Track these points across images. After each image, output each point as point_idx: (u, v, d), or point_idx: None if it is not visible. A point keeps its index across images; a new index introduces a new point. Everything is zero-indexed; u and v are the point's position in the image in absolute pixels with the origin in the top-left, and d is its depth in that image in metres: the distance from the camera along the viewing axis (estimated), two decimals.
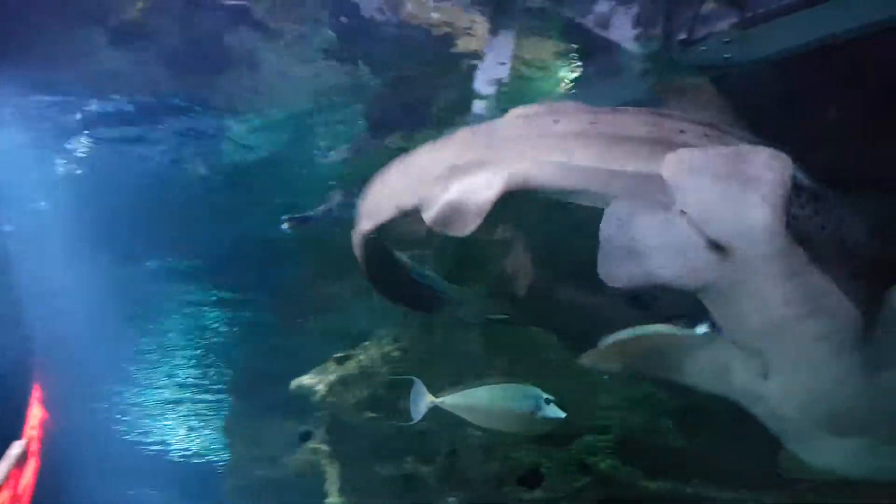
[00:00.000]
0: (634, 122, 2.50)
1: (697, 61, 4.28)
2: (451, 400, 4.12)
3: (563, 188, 2.58)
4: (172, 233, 7.65)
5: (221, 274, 8.76)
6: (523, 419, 3.97)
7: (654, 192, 2.18)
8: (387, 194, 3.03)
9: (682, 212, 2.03)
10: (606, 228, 2.26)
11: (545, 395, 4.04)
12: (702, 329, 3.34)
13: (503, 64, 5.10)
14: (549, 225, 5.97)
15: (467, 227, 2.69)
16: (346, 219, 6.65)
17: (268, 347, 9.61)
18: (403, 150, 3.27)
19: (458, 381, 5.37)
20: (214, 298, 9.36)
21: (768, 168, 1.92)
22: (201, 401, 12.32)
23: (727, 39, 4.07)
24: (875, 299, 2.02)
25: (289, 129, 6.23)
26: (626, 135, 2.46)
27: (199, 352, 10.73)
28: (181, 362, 11.14)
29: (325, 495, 6.38)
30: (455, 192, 2.69)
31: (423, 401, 4.18)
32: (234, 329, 10.00)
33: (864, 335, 1.99)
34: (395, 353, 5.91)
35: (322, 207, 6.46)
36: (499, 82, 5.23)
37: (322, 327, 7.28)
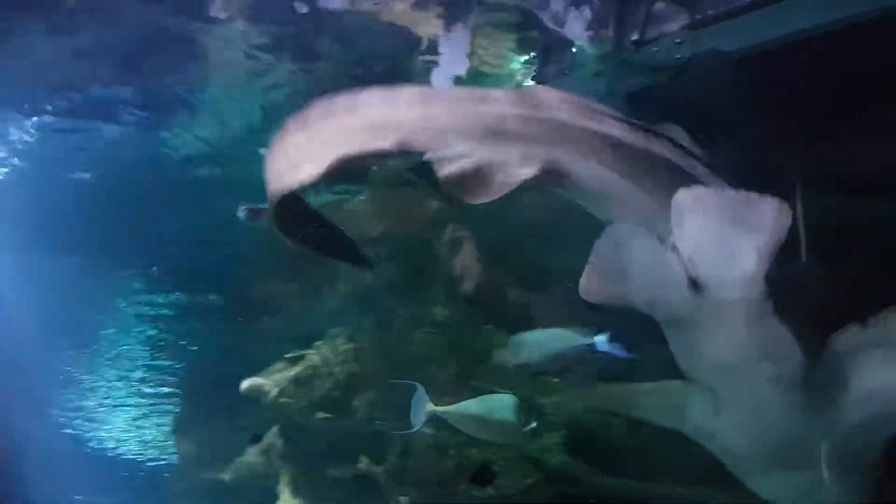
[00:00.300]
0: (659, 145, 2.46)
1: (650, 62, 4.32)
2: (450, 409, 4.20)
3: (588, 191, 2.40)
4: (119, 230, 7.42)
5: (172, 273, 8.56)
6: (515, 431, 4.09)
7: (660, 220, 2.20)
8: (390, 122, 2.48)
9: (675, 247, 2.09)
10: (601, 246, 2.27)
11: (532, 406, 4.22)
12: (600, 339, 3.54)
13: (459, 60, 5.06)
14: (500, 223, 5.99)
15: (485, 197, 2.39)
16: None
17: (219, 348, 9.42)
18: None
19: (413, 380, 5.35)
20: (164, 298, 9.15)
21: (771, 218, 1.98)
22: (150, 402, 12.02)
23: (678, 40, 4.11)
24: (817, 343, 2.18)
25: (241, 124, 6.11)
26: (654, 155, 2.40)
27: (147, 353, 10.47)
28: (129, 363, 10.86)
29: (276, 497, 6.27)
30: (486, 156, 2.39)
31: (424, 408, 4.25)
32: (184, 329, 9.76)
33: (808, 377, 2.15)
34: (350, 353, 5.84)
35: None
36: (455, 79, 5.20)
37: (274, 327, 7.15)
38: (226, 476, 7.65)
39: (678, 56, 4.18)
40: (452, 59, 5.04)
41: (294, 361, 6.10)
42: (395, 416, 5.32)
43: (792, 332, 2.09)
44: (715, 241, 2.05)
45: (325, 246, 3.11)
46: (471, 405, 4.15)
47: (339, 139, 2.46)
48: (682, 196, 2.09)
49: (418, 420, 4.27)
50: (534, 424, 4.10)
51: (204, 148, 6.36)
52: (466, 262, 5.51)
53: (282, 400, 5.96)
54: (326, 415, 5.79)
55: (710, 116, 4.83)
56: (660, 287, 2.15)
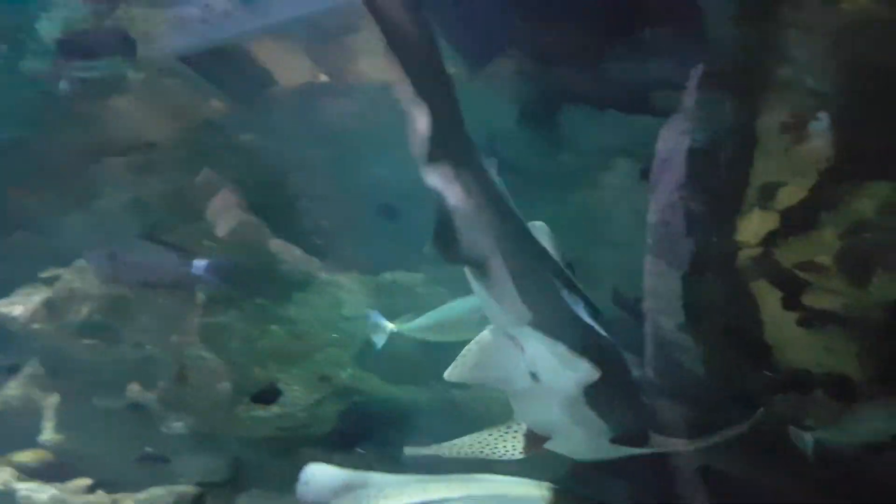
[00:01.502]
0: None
1: None
2: (412, 324, 4.51)
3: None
4: None
5: None
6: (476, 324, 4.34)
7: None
8: None
9: (523, 349, 2.83)
10: (472, 348, 2.89)
11: None
12: (197, 263, 4.57)
13: None
14: (293, 129, 5.63)
15: None
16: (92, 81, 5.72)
17: None
18: None
19: None
20: None
21: (581, 375, 2.75)
22: None
23: None
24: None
25: None
26: None
27: None
28: None
29: (38, 433, 5.65)
30: None
31: (383, 329, 4.57)
32: None
33: (613, 437, 3.01)
34: None
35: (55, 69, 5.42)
36: None
37: (28, 243, 6.25)
38: None
39: None
40: None
41: (48, 283, 5.38)
42: (166, 340, 4.95)
43: (598, 414, 2.91)
44: (545, 362, 2.80)
45: None
46: (430, 315, 4.44)
47: None
48: (527, 330, 2.78)
49: (380, 340, 4.59)
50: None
51: None
52: (220, 203, 5.16)
53: (34, 326, 5.26)
54: (90, 341, 5.21)
55: (498, 24, 4.77)
56: (508, 373, 2.90)
